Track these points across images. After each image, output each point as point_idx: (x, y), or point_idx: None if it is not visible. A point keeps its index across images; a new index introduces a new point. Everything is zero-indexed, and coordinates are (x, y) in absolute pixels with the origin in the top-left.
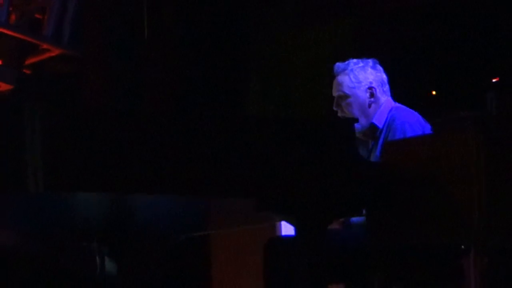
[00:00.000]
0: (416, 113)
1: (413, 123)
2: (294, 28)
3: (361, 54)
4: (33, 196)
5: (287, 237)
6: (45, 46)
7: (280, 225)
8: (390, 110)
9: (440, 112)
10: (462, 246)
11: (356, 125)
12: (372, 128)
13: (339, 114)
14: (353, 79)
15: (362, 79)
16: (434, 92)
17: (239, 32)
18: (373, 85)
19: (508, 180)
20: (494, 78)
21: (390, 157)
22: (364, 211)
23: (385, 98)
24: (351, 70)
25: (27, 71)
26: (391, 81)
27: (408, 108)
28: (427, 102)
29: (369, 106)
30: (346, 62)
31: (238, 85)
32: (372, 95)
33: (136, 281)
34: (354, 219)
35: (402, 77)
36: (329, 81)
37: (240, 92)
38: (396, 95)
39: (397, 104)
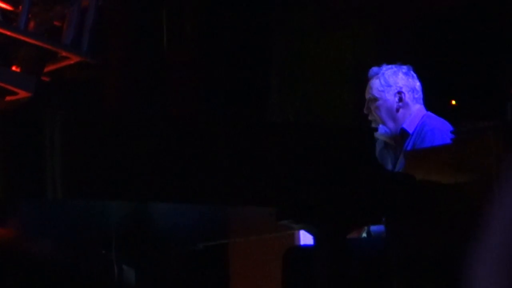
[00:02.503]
0: (447, 123)
1: (444, 130)
2: (316, 32)
3: (382, 59)
4: (52, 202)
5: (306, 246)
6: (64, 53)
7: (299, 234)
8: (422, 117)
9: (461, 121)
10: None
11: (384, 128)
12: (402, 133)
13: (369, 118)
14: (383, 82)
15: (392, 83)
16: (454, 102)
17: (260, 36)
18: (402, 90)
19: None
20: None
21: (411, 165)
22: (384, 219)
23: (417, 106)
24: (383, 74)
25: (46, 79)
26: None
27: (440, 118)
28: (448, 111)
29: (397, 110)
30: (380, 67)
31: (258, 90)
32: (401, 99)
33: None
34: (374, 228)
35: (422, 85)
36: (350, 86)
37: (261, 97)
38: None
39: (430, 113)
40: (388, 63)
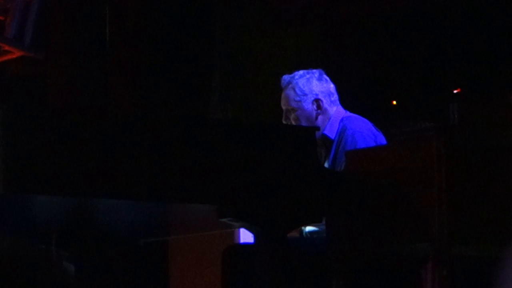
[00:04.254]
0: (367, 122)
1: (364, 132)
2: (259, 31)
3: (325, 59)
4: None
5: (246, 244)
6: (6, 47)
7: (239, 231)
8: (341, 120)
9: (402, 122)
10: (421, 255)
11: None
12: (324, 139)
13: None
14: (298, 92)
15: (308, 92)
16: (394, 102)
17: (203, 34)
18: (319, 96)
19: (469, 190)
20: (456, 89)
21: (352, 165)
22: (324, 219)
23: (334, 108)
24: (296, 83)
25: None
26: (353, 88)
27: (359, 117)
28: (389, 111)
29: (316, 117)
30: (292, 75)
31: (200, 87)
32: (319, 106)
33: (94, 285)
34: (311, 228)
35: (364, 85)
36: None
37: (202, 95)
38: (357, 104)
39: (348, 113)
40: (331, 63)
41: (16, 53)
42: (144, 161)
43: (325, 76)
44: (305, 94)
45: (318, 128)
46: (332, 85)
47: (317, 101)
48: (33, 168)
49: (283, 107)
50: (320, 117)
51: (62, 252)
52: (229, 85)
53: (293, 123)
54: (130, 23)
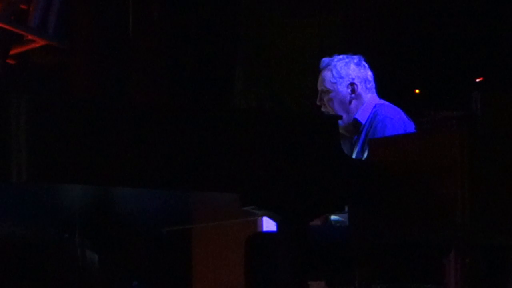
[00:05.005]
0: (400, 110)
1: (395, 119)
2: (281, 21)
3: (347, 49)
4: (16, 186)
5: (269, 233)
6: (30, 37)
7: (262, 220)
8: (374, 107)
9: (424, 111)
10: (444, 244)
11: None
12: (355, 123)
13: (322, 109)
14: (335, 74)
15: (344, 75)
16: (417, 91)
17: (226, 23)
18: (355, 81)
19: (491, 179)
20: (479, 78)
21: (375, 154)
22: (346, 208)
23: (369, 95)
24: (334, 65)
25: (12, 62)
26: (376, 77)
27: (392, 105)
28: (411, 100)
29: (350, 102)
30: (331, 58)
31: (222, 77)
32: (353, 91)
33: (117, 274)
34: (335, 217)
35: (387, 74)
36: (314, 75)
37: (225, 85)
38: (380, 92)
39: (382, 101)
40: (354, 52)
41: (40, 42)
42: (167, 149)
43: (364, 62)
44: (341, 77)
45: (340, 117)
46: (370, 73)
47: (352, 85)
48: (55, 157)
49: (319, 88)
50: (353, 102)
51: (85, 241)
52: (252, 74)
53: (326, 105)
54: (153, 11)
